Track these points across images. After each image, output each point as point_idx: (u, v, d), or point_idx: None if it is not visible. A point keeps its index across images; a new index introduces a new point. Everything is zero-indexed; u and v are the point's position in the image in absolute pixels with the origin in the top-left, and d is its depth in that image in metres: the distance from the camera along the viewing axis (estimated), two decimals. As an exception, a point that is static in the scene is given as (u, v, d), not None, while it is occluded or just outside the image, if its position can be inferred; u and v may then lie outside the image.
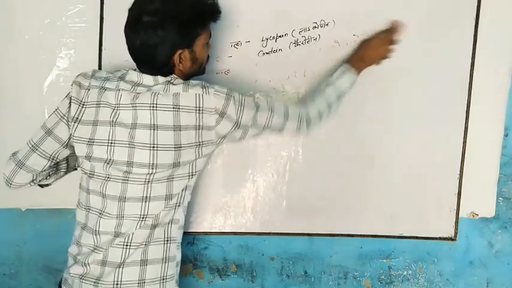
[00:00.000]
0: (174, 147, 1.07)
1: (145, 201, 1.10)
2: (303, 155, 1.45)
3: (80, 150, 1.12)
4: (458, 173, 1.48)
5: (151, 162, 1.07)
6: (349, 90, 1.31)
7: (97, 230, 1.11)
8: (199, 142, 1.09)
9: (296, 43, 1.40)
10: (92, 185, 1.13)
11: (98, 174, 1.11)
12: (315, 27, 1.40)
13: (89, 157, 1.11)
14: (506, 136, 1.50)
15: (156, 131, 1.06)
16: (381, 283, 1.58)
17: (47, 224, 1.48)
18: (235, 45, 1.39)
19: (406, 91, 1.44)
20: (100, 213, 1.11)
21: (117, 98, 1.08)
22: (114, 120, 1.08)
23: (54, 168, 1.22)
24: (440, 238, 1.51)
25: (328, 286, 1.57)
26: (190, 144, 1.08)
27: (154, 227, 1.11)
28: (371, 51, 1.34)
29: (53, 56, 1.40)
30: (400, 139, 1.46)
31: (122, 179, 1.09)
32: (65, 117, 1.13)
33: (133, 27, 1.07)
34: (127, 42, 1.10)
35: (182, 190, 1.15)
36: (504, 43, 1.45)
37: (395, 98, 1.45)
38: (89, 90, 1.11)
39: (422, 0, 1.40)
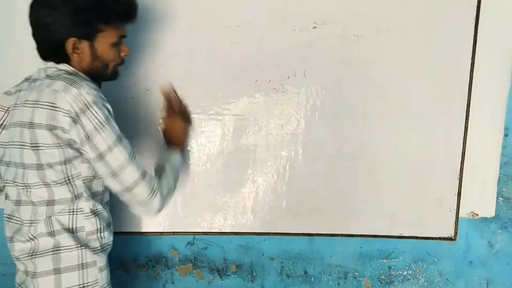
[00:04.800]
0: (31, 146, 1.00)
1: (33, 206, 1.04)
2: (303, 155, 1.45)
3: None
4: (458, 173, 1.48)
5: (20, 161, 1.03)
6: (179, 170, 1.21)
7: (5, 234, 1.10)
8: (62, 143, 1.00)
9: (296, 43, 1.40)
10: (6, 189, 1.11)
11: (6, 177, 1.10)
12: (315, 27, 1.40)
13: (0, 161, 1.11)
14: (506, 136, 1.50)
15: (22, 128, 1.01)
16: (380, 283, 1.58)
17: (47, 224, 1.48)
18: (235, 45, 1.39)
19: (406, 91, 1.44)
20: (8, 218, 1.10)
21: (16, 98, 1.07)
22: (10, 121, 1.07)
23: None
24: (440, 238, 1.51)
25: (328, 286, 1.57)
26: (48, 145, 1.00)
27: (52, 234, 1.04)
28: (172, 134, 1.25)
29: (53, 56, 1.40)
30: (400, 139, 1.46)
31: (13, 183, 1.06)
32: None
33: (32, 3, 1.05)
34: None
35: (71, 198, 1.05)
36: (504, 43, 1.45)
37: (395, 98, 1.45)
38: (12, 95, 1.11)
39: (422, 0, 1.41)
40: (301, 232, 1.50)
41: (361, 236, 1.50)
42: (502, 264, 1.58)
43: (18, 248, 1.06)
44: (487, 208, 1.54)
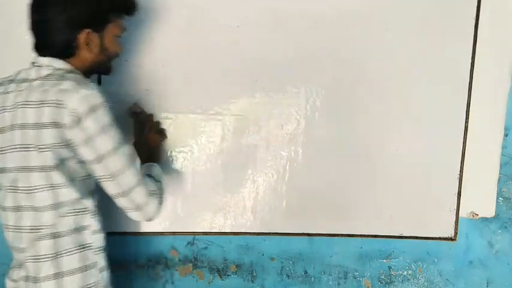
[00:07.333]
0: (38, 148, 0.98)
1: (36, 211, 1.02)
2: (303, 155, 1.45)
3: None
4: (458, 173, 1.48)
5: (23, 165, 1.00)
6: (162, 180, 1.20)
7: (8, 243, 1.08)
8: (65, 142, 0.98)
9: (296, 43, 1.40)
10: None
11: None
12: (315, 27, 1.40)
13: None
14: (506, 136, 1.50)
15: (25, 130, 0.98)
16: (381, 283, 1.58)
17: (47, 224, 1.48)
18: (235, 45, 1.39)
19: (406, 91, 1.44)
20: (5, 227, 1.07)
21: (4, 101, 1.02)
22: (1, 125, 1.02)
23: None
24: (440, 238, 1.51)
25: (328, 286, 1.57)
26: (54, 145, 0.98)
27: (55, 236, 1.03)
28: (147, 148, 1.26)
29: (52, 56, 1.39)
30: (400, 139, 1.46)
31: (12, 189, 1.03)
32: None
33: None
34: (28, 16, 1.03)
35: (77, 199, 1.04)
36: (504, 43, 1.45)
37: (395, 98, 1.45)
38: None
39: (422, 0, 1.41)
40: (301, 232, 1.50)
41: (361, 236, 1.50)
42: (502, 264, 1.58)
43: (19, 257, 1.06)
44: (487, 208, 1.54)
